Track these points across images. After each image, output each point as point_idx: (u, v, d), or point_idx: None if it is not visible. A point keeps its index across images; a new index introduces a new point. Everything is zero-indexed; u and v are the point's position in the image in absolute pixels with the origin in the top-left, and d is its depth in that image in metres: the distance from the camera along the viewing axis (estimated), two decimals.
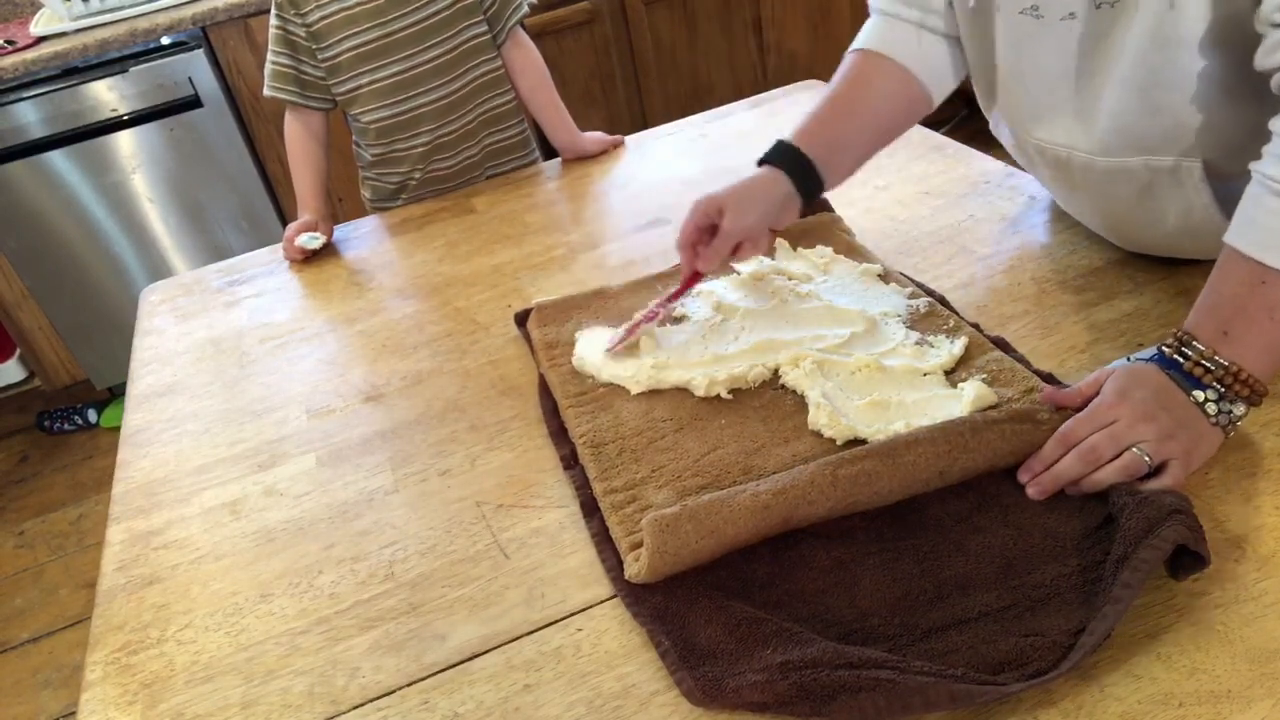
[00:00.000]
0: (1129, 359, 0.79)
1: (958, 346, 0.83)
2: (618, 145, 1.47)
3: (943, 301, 0.92)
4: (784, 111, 1.47)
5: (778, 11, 2.77)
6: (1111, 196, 0.87)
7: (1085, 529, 0.65)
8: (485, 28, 1.41)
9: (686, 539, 0.64)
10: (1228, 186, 0.77)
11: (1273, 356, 0.67)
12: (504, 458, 0.84)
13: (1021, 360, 0.81)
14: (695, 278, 0.92)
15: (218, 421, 0.97)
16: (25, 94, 2.17)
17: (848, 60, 0.98)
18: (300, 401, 0.97)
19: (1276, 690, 0.54)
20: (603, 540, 0.71)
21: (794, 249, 1.02)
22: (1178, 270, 0.91)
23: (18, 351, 2.57)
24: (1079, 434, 0.68)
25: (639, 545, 0.67)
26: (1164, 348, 0.70)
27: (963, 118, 2.85)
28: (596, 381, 0.87)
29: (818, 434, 0.76)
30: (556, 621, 0.67)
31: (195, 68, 2.25)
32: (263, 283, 1.25)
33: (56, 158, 2.24)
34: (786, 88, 1.56)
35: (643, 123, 2.74)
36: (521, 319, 1.01)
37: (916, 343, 0.85)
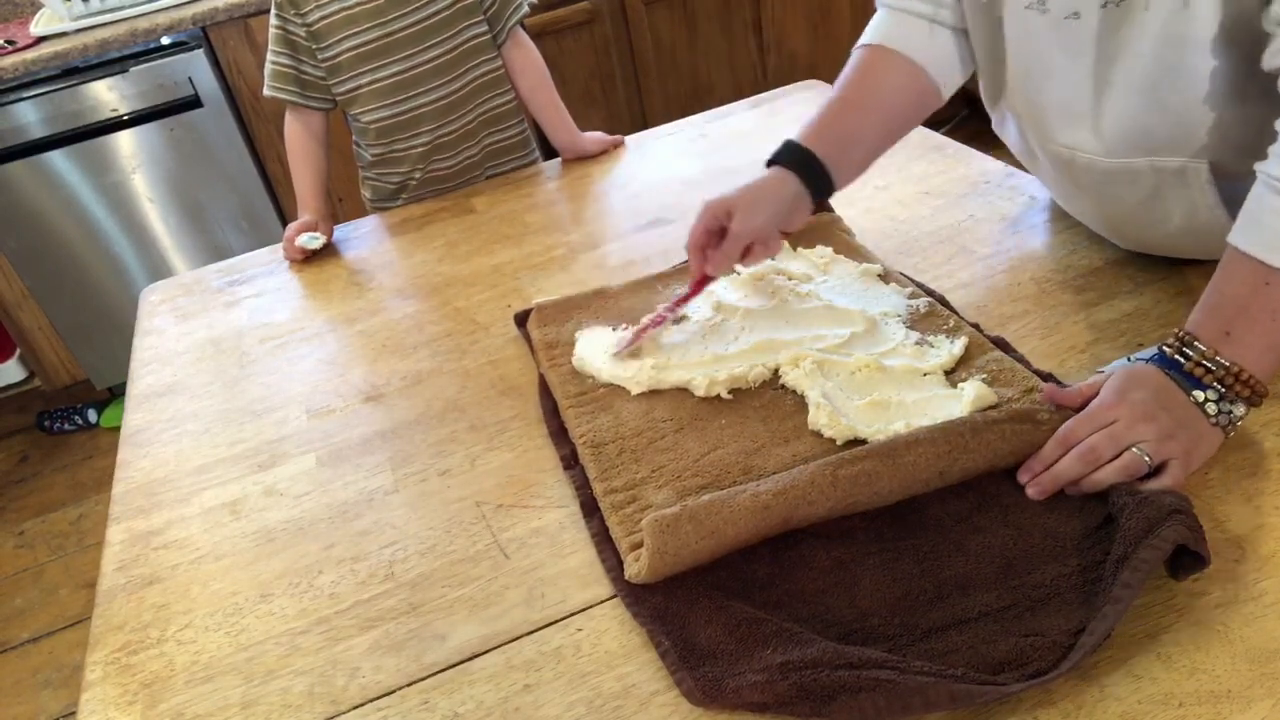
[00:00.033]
0: (1129, 359, 0.79)
1: (958, 346, 0.83)
2: (618, 145, 1.47)
3: (943, 301, 0.92)
4: (784, 111, 1.47)
5: (778, 11, 2.77)
6: (1115, 197, 0.86)
7: (1085, 529, 0.65)
8: (485, 28, 1.41)
9: (686, 539, 0.64)
10: (1233, 187, 0.77)
11: (1274, 357, 0.67)
12: (504, 458, 0.84)
13: (1021, 360, 0.81)
14: (704, 281, 0.91)
15: (218, 421, 0.97)
16: (25, 94, 2.17)
17: (855, 56, 0.97)
18: (300, 401, 0.97)
19: (1276, 690, 0.54)
20: (603, 540, 0.71)
21: (794, 249, 1.02)
22: (1178, 270, 0.91)
23: (18, 351, 2.57)
24: (1079, 434, 0.68)
25: (639, 545, 0.67)
26: (1165, 348, 0.70)
27: (963, 118, 2.86)
28: (596, 382, 0.87)
29: (818, 434, 0.76)
30: (556, 621, 0.67)
31: (195, 68, 2.25)
32: (263, 283, 1.25)
33: (56, 158, 2.24)
34: (786, 88, 1.56)
35: (643, 123, 2.74)
36: (521, 319, 1.01)
37: (916, 343, 0.85)
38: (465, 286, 1.14)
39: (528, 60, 1.47)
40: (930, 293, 0.93)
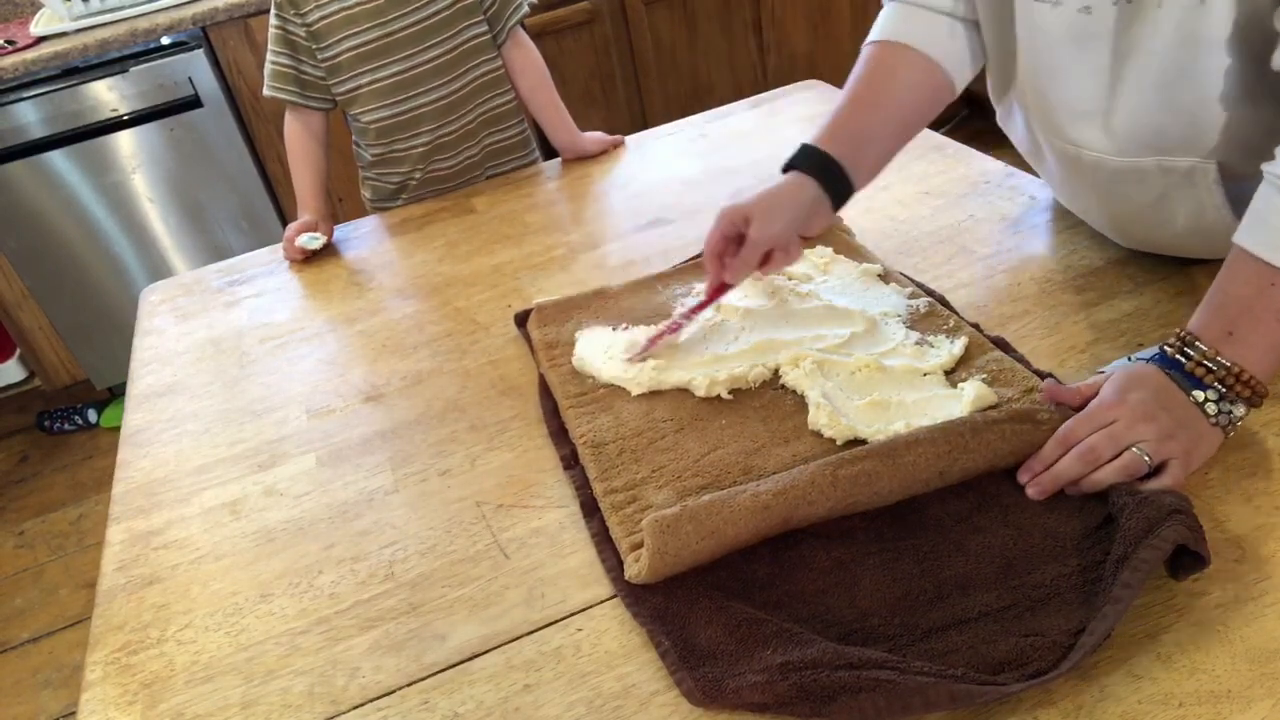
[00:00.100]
0: (1130, 359, 0.79)
1: (958, 346, 0.83)
2: (618, 145, 1.47)
3: (943, 301, 0.92)
4: (784, 111, 1.47)
5: (778, 11, 2.77)
6: (1121, 195, 0.86)
7: (1085, 529, 0.65)
8: (485, 28, 1.41)
9: (687, 540, 0.64)
10: (1240, 187, 0.76)
11: (1276, 357, 0.67)
12: (504, 458, 0.84)
13: (1021, 360, 0.81)
14: (722, 288, 0.89)
15: (218, 421, 0.97)
16: (25, 94, 2.17)
17: (866, 53, 0.95)
18: (300, 401, 0.97)
19: (1276, 690, 0.54)
20: (603, 540, 0.71)
21: None
22: (1178, 270, 0.91)
23: (18, 351, 2.57)
24: (1078, 434, 0.67)
25: (639, 546, 0.67)
26: (1166, 347, 0.70)
27: (963, 118, 2.86)
28: (597, 382, 0.87)
29: (818, 434, 0.76)
30: (556, 621, 0.67)
31: (195, 68, 2.25)
32: (263, 283, 1.25)
33: (56, 158, 2.24)
34: (786, 88, 1.56)
35: (643, 123, 2.74)
36: (521, 319, 1.01)
37: (916, 343, 0.85)
38: (465, 286, 1.14)
39: (528, 60, 1.47)
40: (930, 293, 0.93)
